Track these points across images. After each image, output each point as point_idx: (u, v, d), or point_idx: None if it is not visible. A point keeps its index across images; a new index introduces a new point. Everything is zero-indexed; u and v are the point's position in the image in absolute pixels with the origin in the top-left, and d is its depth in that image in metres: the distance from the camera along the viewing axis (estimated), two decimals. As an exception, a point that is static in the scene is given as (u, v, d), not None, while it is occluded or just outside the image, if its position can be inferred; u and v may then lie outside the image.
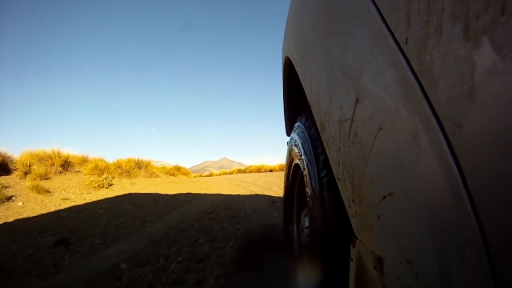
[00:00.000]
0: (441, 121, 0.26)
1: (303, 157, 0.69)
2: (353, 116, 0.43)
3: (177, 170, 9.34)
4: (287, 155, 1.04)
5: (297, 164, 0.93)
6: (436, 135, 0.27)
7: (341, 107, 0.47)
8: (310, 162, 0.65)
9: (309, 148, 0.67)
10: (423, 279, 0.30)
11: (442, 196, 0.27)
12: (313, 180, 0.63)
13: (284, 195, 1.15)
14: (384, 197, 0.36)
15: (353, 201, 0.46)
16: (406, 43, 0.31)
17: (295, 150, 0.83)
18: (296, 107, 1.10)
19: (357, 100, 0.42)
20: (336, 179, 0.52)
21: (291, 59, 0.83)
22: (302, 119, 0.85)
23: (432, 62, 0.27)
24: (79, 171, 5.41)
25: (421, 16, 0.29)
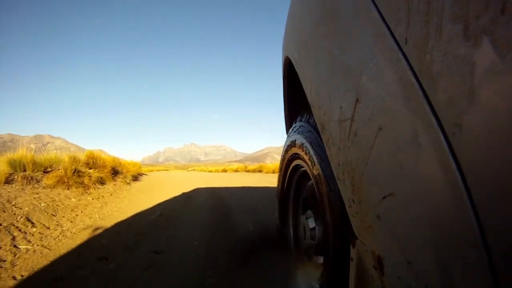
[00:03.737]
0: (441, 121, 0.26)
1: (314, 157, 0.68)
2: (353, 116, 0.43)
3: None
4: (283, 155, 1.03)
5: (297, 165, 0.93)
6: (436, 135, 0.27)
7: (341, 107, 0.47)
8: (324, 161, 0.65)
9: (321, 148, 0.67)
10: (423, 279, 0.30)
11: (442, 196, 0.27)
12: (329, 180, 0.62)
13: (279, 197, 1.14)
14: (384, 197, 0.36)
15: (353, 201, 0.46)
16: (406, 43, 0.31)
17: (297, 150, 0.82)
18: (296, 107, 1.09)
19: (357, 100, 0.42)
20: (336, 179, 0.52)
21: (291, 59, 0.83)
22: (305, 118, 0.85)
23: (432, 62, 0.27)
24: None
25: (421, 16, 0.29)
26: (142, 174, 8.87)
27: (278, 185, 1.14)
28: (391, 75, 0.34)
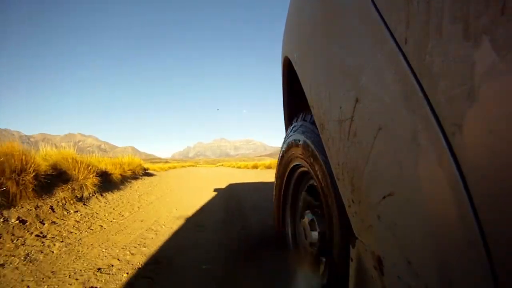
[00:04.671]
0: (441, 121, 0.26)
1: (319, 157, 0.68)
2: (352, 116, 0.43)
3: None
4: (281, 155, 1.03)
5: (296, 165, 0.93)
6: (436, 135, 0.27)
7: (340, 107, 0.47)
8: (324, 161, 0.65)
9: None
10: (423, 279, 0.30)
11: (442, 196, 0.27)
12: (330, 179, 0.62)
13: (276, 197, 1.14)
14: (384, 197, 0.36)
15: (353, 201, 0.46)
16: (406, 43, 0.31)
17: (299, 150, 0.82)
18: (296, 107, 1.09)
19: (356, 100, 0.42)
20: (336, 179, 0.52)
21: (291, 59, 0.83)
22: (302, 117, 0.85)
23: (432, 62, 0.27)
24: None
25: (421, 16, 0.29)
26: (133, 178, 5.13)
27: (275, 185, 1.14)
28: (391, 75, 0.34)
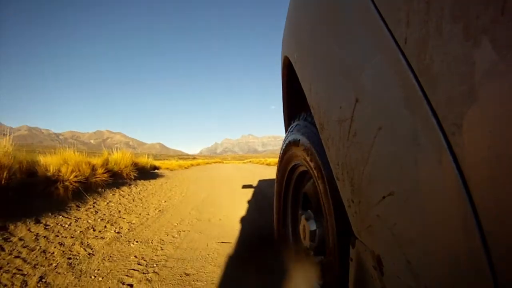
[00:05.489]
0: (441, 121, 0.26)
1: (316, 155, 0.68)
2: (352, 116, 0.43)
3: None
4: (282, 155, 1.03)
5: (295, 164, 0.93)
6: (436, 135, 0.27)
7: (340, 107, 0.47)
8: (323, 161, 0.65)
9: None
10: (423, 279, 0.30)
11: (441, 196, 0.27)
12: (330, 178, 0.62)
13: (277, 197, 1.14)
14: (383, 197, 0.36)
15: (353, 201, 0.45)
16: (406, 43, 0.31)
17: (300, 150, 0.82)
18: (296, 107, 1.10)
19: (356, 100, 0.42)
20: (336, 179, 0.52)
21: (291, 59, 0.83)
22: (303, 117, 0.85)
23: (432, 62, 0.27)
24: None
25: (421, 16, 0.29)
26: (112, 185, 3.27)
27: (276, 184, 1.14)
28: (391, 75, 0.34)
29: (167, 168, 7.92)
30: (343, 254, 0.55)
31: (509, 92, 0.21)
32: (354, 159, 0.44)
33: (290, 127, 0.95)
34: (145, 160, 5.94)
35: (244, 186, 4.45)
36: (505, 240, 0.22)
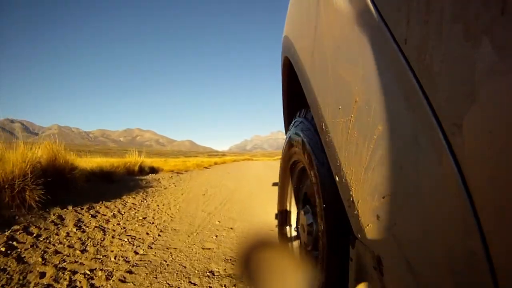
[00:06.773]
0: (441, 121, 0.26)
1: (313, 154, 0.69)
2: (352, 116, 0.43)
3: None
4: (285, 152, 1.04)
5: (295, 161, 0.94)
6: (436, 135, 0.27)
7: (340, 107, 0.47)
8: (322, 161, 0.65)
9: None
10: (423, 279, 0.30)
11: (441, 196, 0.27)
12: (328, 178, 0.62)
13: (280, 193, 1.15)
14: (383, 197, 0.36)
15: (352, 201, 0.45)
16: (406, 43, 0.31)
17: (300, 148, 0.82)
18: (296, 107, 1.10)
19: (356, 100, 0.42)
20: (335, 179, 0.52)
21: (291, 59, 0.83)
22: (303, 114, 0.85)
23: (432, 62, 0.27)
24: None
25: (421, 16, 0.29)
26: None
27: (280, 181, 1.15)
28: (391, 75, 0.34)
29: (172, 171, 6.28)
30: (332, 250, 0.56)
31: (509, 92, 0.21)
32: (354, 159, 0.44)
33: (291, 124, 0.96)
34: (132, 160, 4.30)
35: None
36: (505, 240, 0.22)
